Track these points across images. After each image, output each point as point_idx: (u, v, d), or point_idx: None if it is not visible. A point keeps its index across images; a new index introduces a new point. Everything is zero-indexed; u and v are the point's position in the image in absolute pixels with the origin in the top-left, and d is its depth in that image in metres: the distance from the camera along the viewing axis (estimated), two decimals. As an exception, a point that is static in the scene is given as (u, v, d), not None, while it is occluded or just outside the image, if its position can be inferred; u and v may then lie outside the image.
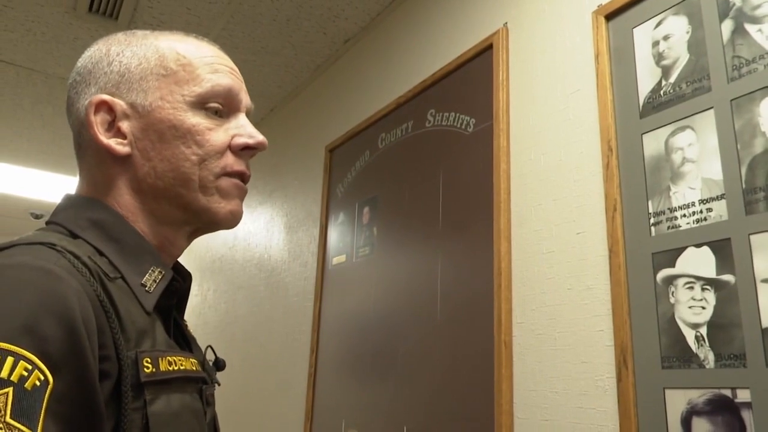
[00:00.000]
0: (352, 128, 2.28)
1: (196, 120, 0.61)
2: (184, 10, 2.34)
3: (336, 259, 2.20)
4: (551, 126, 1.41)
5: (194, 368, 0.61)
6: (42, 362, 0.43)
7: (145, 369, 0.52)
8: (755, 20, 1.04)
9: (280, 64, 2.70)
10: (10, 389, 0.41)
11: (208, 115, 0.62)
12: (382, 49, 2.24)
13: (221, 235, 3.51)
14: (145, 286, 0.58)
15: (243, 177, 0.64)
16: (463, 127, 1.69)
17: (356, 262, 2.07)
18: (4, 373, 0.41)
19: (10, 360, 0.42)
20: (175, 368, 0.56)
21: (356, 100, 2.34)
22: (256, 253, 2.99)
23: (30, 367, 0.42)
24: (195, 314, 3.66)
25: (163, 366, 0.55)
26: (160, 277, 0.60)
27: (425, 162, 1.83)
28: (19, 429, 0.40)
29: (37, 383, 0.42)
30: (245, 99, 0.66)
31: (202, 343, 0.75)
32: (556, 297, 1.30)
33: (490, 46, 1.65)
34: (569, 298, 1.27)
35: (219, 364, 0.70)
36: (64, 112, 3.29)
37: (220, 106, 0.63)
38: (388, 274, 1.88)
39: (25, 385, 0.41)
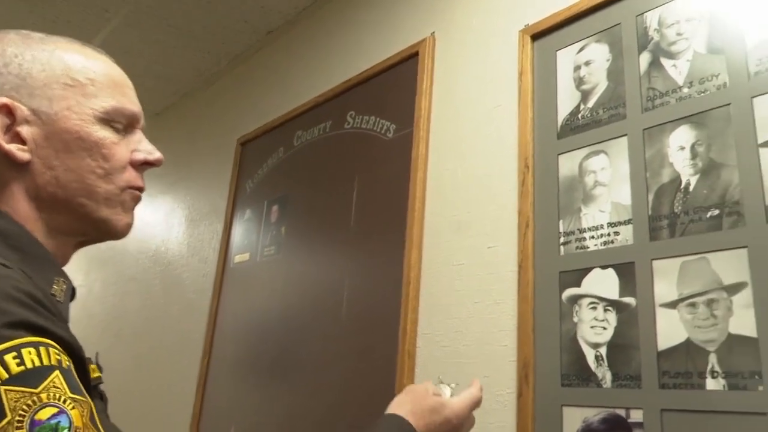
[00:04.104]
0: (268, 123, 2.20)
1: (103, 134, 0.63)
2: (95, -23, 2.17)
3: (239, 257, 2.11)
4: (471, 138, 1.42)
5: (97, 374, 0.62)
6: (60, 346, 0.49)
7: (92, 374, 0.56)
8: (671, 55, 1.09)
9: (195, 49, 2.57)
10: (58, 371, 0.47)
11: (112, 130, 0.64)
12: (305, 45, 2.19)
13: (115, 223, 3.28)
14: (56, 296, 0.58)
15: (140, 191, 0.67)
16: (383, 131, 1.67)
17: (260, 262, 1.99)
18: (45, 360, 0.47)
19: (42, 349, 0.47)
20: (94, 375, 0.59)
21: (275, 94, 2.26)
22: (152, 245, 2.82)
23: (57, 350, 0.48)
24: (78, 306, 3.39)
25: (91, 372, 0.58)
26: (65, 286, 0.60)
27: (341, 164, 1.79)
28: (80, 400, 0.47)
29: (66, 363, 0.49)
30: (142, 119, 0.69)
31: (84, 338, 0.67)
32: (463, 310, 1.30)
33: (416, 54, 1.64)
34: (476, 311, 1.27)
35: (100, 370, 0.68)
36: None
37: (123, 124, 0.65)
38: (293, 276, 1.82)
39: (63, 366, 0.48)
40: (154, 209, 2.93)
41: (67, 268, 0.64)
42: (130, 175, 0.65)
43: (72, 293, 0.63)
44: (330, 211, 1.76)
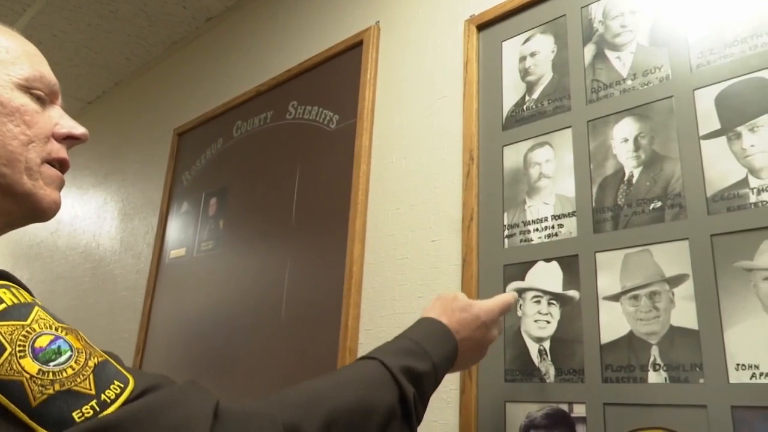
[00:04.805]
0: (206, 113, 2.11)
1: (24, 100, 0.61)
2: (18, -47, 2.03)
3: (174, 252, 2.01)
4: (415, 129, 1.38)
5: None
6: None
7: None
8: (615, 47, 1.08)
9: (131, 34, 2.45)
10: (37, 306, 0.49)
11: (33, 99, 0.62)
12: (246, 33, 2.11)
13: (43, 217, 3.10)
14: None
15: (64, 165, 0.65)
16: (326, 122, 1.62)
17: (197, 257, 1.90)
18: (22, 299, 0.49)
19: (14, 290, 0.49)
20: None
21: (213, 83, 2.17)
22: (83, 241, 2.67)
23: (27, 293, 0.50)
24: (2, 305, 3.19)
25: None
26: None
27: (283, 155, 1.72)
28: (68, 327, 0.50)
29: (40, 302, 0.51)
30: (60, 95, 0.68)
31: None
32: (406, 305, 1.26)
33: (360, 43, 1.59)
34: (420, 306, 1.24)
35: None
36: None
37: (43, 94, 0.64)
38: (231, 272, 1.74)
39: (38, 302, 0.50)
40: (84, 202, 2.78)
41: None
42: (53, 147, 0.63)
43: None
44: (271, 205, 1.70)
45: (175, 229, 2.07)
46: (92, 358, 0.48)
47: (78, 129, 0.66)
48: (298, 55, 1.81)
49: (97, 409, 0.45)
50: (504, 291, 1.09)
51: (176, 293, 1.94)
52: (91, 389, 0.46)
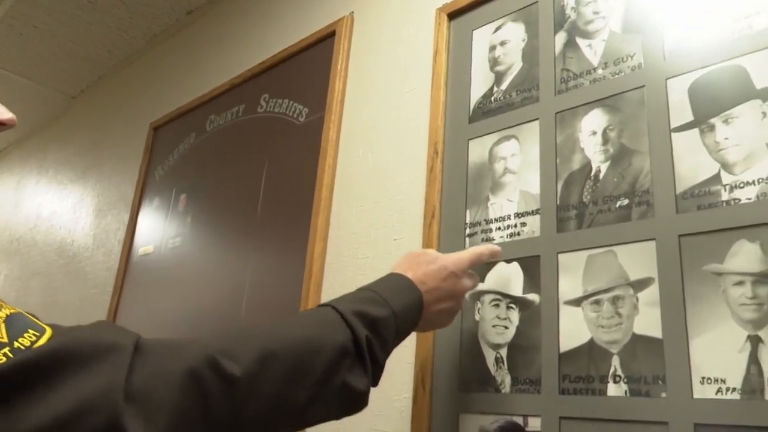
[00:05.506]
0: (182, 106, 2.04)
1: None
2: (-8, -62, 1.98)
3: (143, 249, 1.94)
4: (383, 123, 1.31)
5: None
6: None
7: None
8: (586, 35, 1.01)
9: (111, 26, 2.39)
10: None
11: None
12: (226, 25, 2.05)
13: (23, 213, 3.04)
14: None
15: None
16: (296, 116, 1.55)
17: (164, 254, 1.83)
18: None
19: None
20: None
21: (192, 77, 2.11)
22: (59, 237, 2.60)
23: None
24: (-21, 301, 3.12)
25: None
26: None
27: (252, 150, 1.65)
28: None
29: None
30: None
31: None
32: (364, 307, 1.18)
33: (333, 33, 1.52)
34: (377, 308, 1.16)
35: None
36: None
37: None
38: (196, 269, 1.67)
39: None
40: (63, 197, 2.72)
41: None
42: None
43: None
44: (237, 200, 1.62)
45: (145, 225, 2.00)
46: (3, 310, 0.46)
47: (4, 114, 0.60)
48: (272, 46, 1.75)
49: (11, 356, 0.43)
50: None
51: (143, 292, 1.86)
52: (3, 337, 0.44)
